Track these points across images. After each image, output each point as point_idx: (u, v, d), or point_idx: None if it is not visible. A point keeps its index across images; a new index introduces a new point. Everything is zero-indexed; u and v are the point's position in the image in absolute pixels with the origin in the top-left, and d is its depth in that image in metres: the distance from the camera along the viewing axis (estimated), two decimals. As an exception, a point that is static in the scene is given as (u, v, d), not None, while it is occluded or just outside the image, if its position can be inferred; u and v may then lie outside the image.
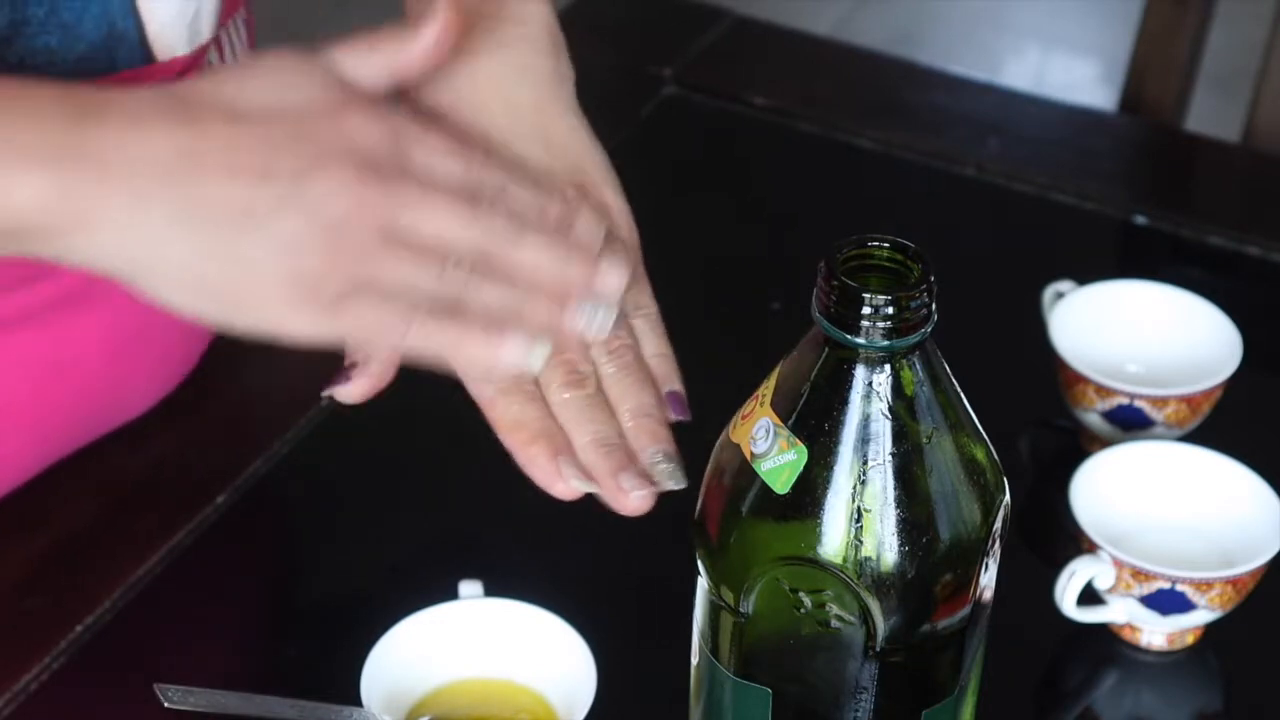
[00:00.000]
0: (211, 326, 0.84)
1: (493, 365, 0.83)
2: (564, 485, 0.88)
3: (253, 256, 0.80)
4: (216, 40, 1.08)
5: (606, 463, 0.88)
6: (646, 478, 0.88)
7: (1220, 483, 1.07)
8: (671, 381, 0.92)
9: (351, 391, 0.89)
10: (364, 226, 0.80)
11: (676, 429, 1.09)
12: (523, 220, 0.84)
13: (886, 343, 0.80)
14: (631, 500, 0.87)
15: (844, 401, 0.81)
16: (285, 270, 0.80)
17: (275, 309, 0.81)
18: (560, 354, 0.88)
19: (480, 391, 0.89)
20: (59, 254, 0.82)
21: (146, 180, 0.80)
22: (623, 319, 0.91)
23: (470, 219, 0.82)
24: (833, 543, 0.81)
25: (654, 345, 0.92)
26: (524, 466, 0.88)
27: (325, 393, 0.90)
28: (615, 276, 0.85)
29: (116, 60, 1.01)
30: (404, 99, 0.91)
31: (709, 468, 0.85)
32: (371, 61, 0.85)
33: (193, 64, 1.05)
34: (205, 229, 0.80)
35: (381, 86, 0.85)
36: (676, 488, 0.88)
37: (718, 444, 0.85)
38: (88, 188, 0.80)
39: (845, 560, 0.81)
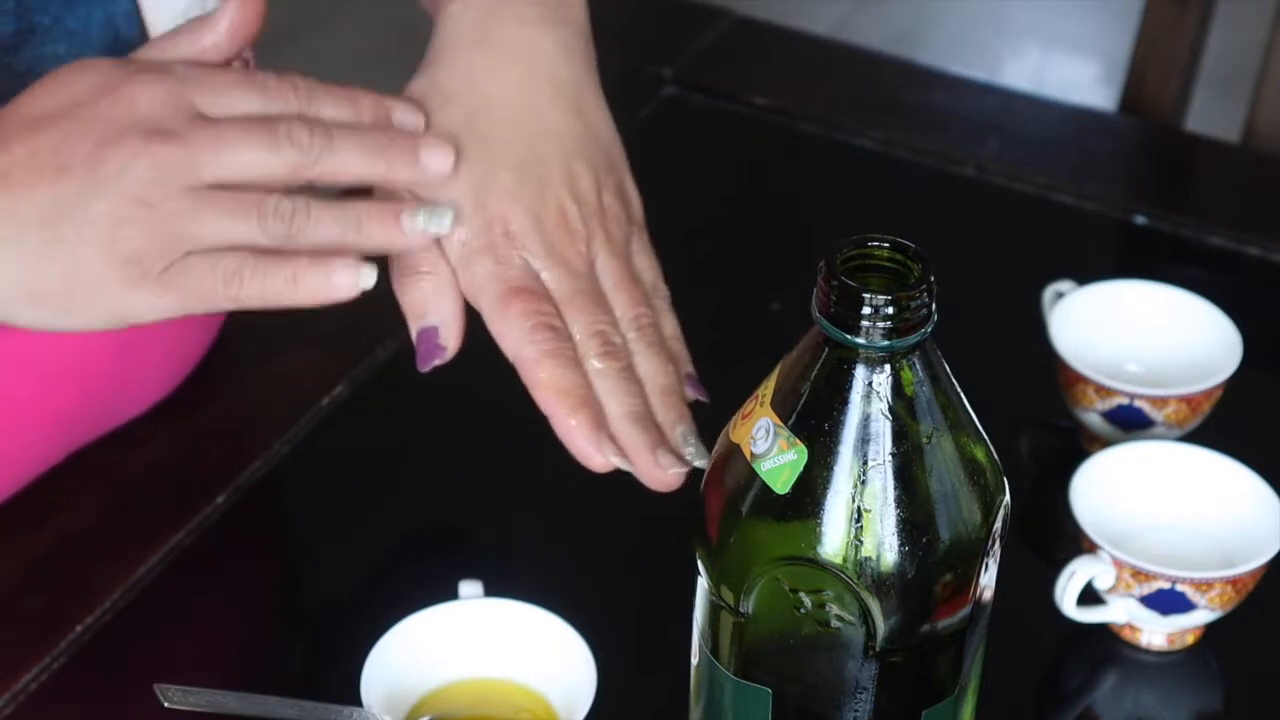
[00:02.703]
0: (60, 331, 0.85)
1: (329, 296, 0.84)
2: (602, 460, 0.88)
3: (74, 251, 0.81)
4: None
5: (643, 437, 0.88)
6: (680, 455, 0.89)
7: (1220, 483, 1.07)
8: (686, 364, 0.93)
9: (451, 349, 0.90)
10: (167, 190, 0.81)
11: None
12: (330, 128, 0.84)
13: (886, 343, 0.80)
14: (669, 476, 0.88)
15: (844, 401, 0.81)
16: (109, 255, 0.81)
17: (112, 297, 0.82)
18: (585, 319, 0.89)
19: (522, 351, 0.89)
20: None
21: None
22: (645, 297, 0.92)
23: (273, 144, 0.82)
24: (833, 543, 0.81)
25: (670, 327, 0.93)
26: (563, 435, 0.89)
27: (426, 368, 0.90)
28: (440, 158, 0.86)
29: None
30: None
31: (709, 468, 0.85)
32: (171, 52, 0.86)
33: None
34: (23, 241, 0.81)
35: None
36: (702, 466, 0.88)
37: (717, 444, 0.85)
38: None
39: (845, 560, 0.81)
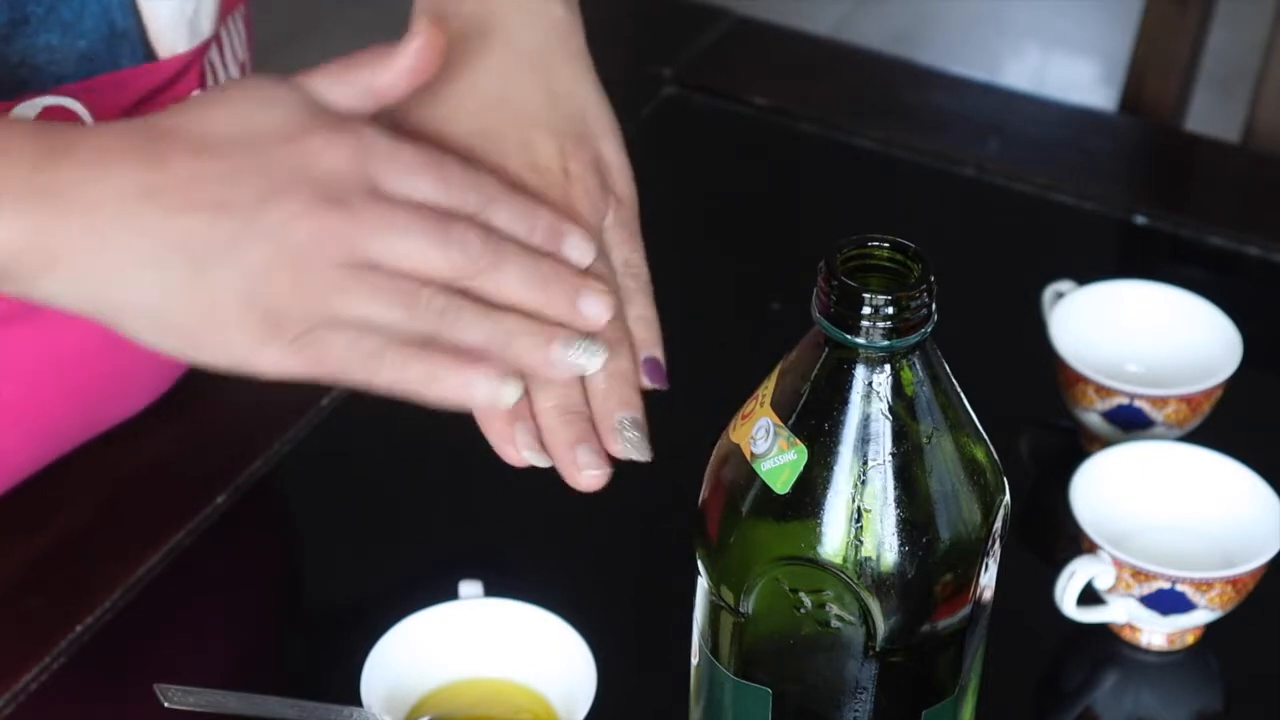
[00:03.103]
0: (186, 362, 0.82)
1: (464, 403, 0.81)
2: (514, 453, 0.85)
3: (214, 291, 0.78)
4: (216, 37, 1.07)
5: (565, 432, 0.84)
6: (604, 455, 0.84)
7: (1220, 483, 1.07)
8: (650, 347, 0.88)
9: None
10: (326, 255, 0.78)
11: (678, 426, 1.10)
12: (502, 243, 0.81)
13: (886, 343, 0.80)
14: (584, 477, 0.84)
15: (844, 401, 0.81)
16: (247, 304, 0.78)
17: (240, 344, 0.79)
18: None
19: None
20: (27, 294, 0.81)
21: (107, 218, 0.78)
22: (609, 274, 0.88)
23: (443, 243, 0.80)
24: (833, 543, 0.81)
25: (640, 308, 0.89)
26: (481, 427, 0.86)
27: None
28: (598, 308, 0.82)
29: (118, 58, 1.01)
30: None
31: (709, 468, 0.85)
32: (347, 84, 0.83)
33: (194, 61, 1.05)
34: (165, 266, 0.78)
35: (360, 110, 0.83)
36: (641, 460, 0.85)
37: (718, 444, 0.85)
38: (54, 228, 0.78)
39: (845, 560, 0.81)
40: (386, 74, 0.83)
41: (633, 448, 0.85)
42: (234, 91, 0.82)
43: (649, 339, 0.88)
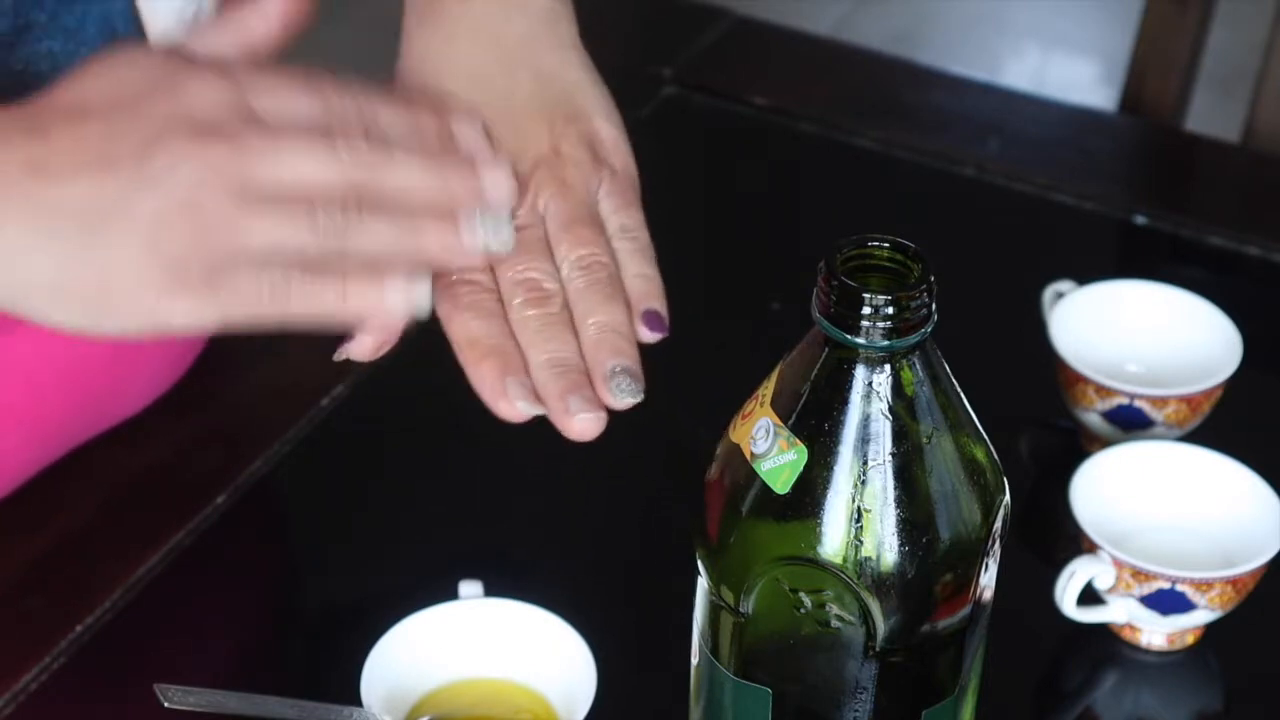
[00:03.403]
0: (100, 338, 0.81)
1: (379, 313, 0.80)
2: (508, 405, 0.85)
3: (115, 252, 0.78)
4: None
5: (557, 384, 0.84)
6: (596, 402, 0.84)
7: (1220, 483, 1.07)
8: (650, 300, 0.88)
9: (365, 346, 0.86)
10: (217, 191, 0.77)
11: (678, 426, 1.10)
12: (389, 142, 0.80)
13: (886, 343, 0.80)
14: (576, 423, 0.84)
15: (844, 401, 0.81)
16: (149, 257, 0.77)
17: (148, 302, 0.78)
18: (513, 268, 0.85)
19: (441, 309, 0.86)
20: None
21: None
22: (598, 237, 0.88)
23: (329, 154, 0.79)
24: (833, 543, 0.81)
25: (638, 267, 0.89)
26: (473, 385, 0.85)
27: (338, 356, 0.87)
28: (500, 183, 0.81)
29: None
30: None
31: (709, 468, 0.85)
32: (218, 40, 0.83)
33: None
34: (62, 236, 0.78)
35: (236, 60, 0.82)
36: (633, 401, 0.85)
37: (718, 444, 0.85)
38: None
39: (845, 560, 0.81)
40: (260, 23, 0.83)
41: (621, 392, 0.85)
42: (102, 60, 0.81)
43: (648, 292, 0.88)
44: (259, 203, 0.78)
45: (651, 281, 0.89)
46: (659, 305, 0.88)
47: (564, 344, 0.86)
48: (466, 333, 0.86)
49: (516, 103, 0.91)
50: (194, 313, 0.79)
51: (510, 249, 0.82)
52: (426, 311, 0.81)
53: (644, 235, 0.90)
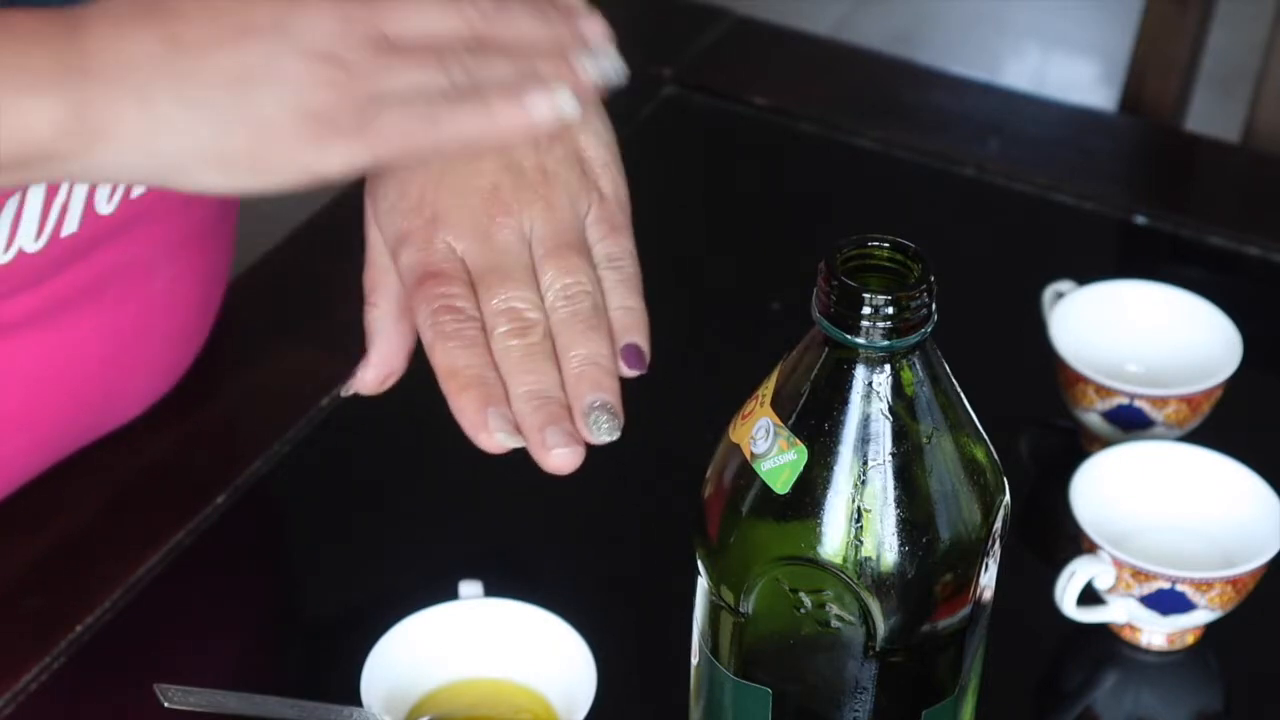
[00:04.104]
0: (252, 192, 0.85)
1: (528, 125, 0.84)
2: (488, 437, 0.86)
3: (266, 113, 0.81)
4: None
5: (536, 416, 0.85)
6: (575, 436, 0.85)
7: (1220, 483, 1.07)
8: (632, 334, 0.88)
9: (367, 381, 0.91)
10: (356, 44, 0.82)
11: (678, 426, 1.10)
12: (505, 2, 0.86)
13: (886, 343, 0.80)
14: (553, 457, 0.85)
15: (844, 401, 0.81)
16: (300, 114, 0.81)
17: (305, 155, 0.82)
18: (497, 295, 0.87)
19: (424, 337, 0.88)
20: (81, 173, 0.83)
21: (144, 76, 0.81)
22: (583, 265, 0.89)
23: (454, 10, 0.84)
24: (833, 543, 0.81)
25: (621, 299, 0.89)
26: (454, 415, 0.86)
27: (345, 392, 0.91)
28: (598, 27, 0.87)
29: None
30: None
31: (709, 468, 0.85)
32: None
33: None
34: (212, 104, 0.81)
35: None
36: (610, 439, 0.85)
37: (718, 444, 0.85)
38: (95, 99, 0.81)
39: (845, 560, 0.81)
40: None
41: (599, 428, 0.85)
42: None
43: (631, 325, 0.89)
44: (396, 50, 0.82)
45: (635, 314, 0.89)
46: (641, 340, 0.88)
47: (544, 375, 0.86)
48: (449, 362, 0.87)
49: None
50: (348, 157, 0.83)
51: (619, 81, 0.87)
52: (577, 114, 0.85)
53: (631, 265, 0.90)
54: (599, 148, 0.92)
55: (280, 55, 0.81)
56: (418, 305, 0.88)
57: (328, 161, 0.83)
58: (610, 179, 0.92)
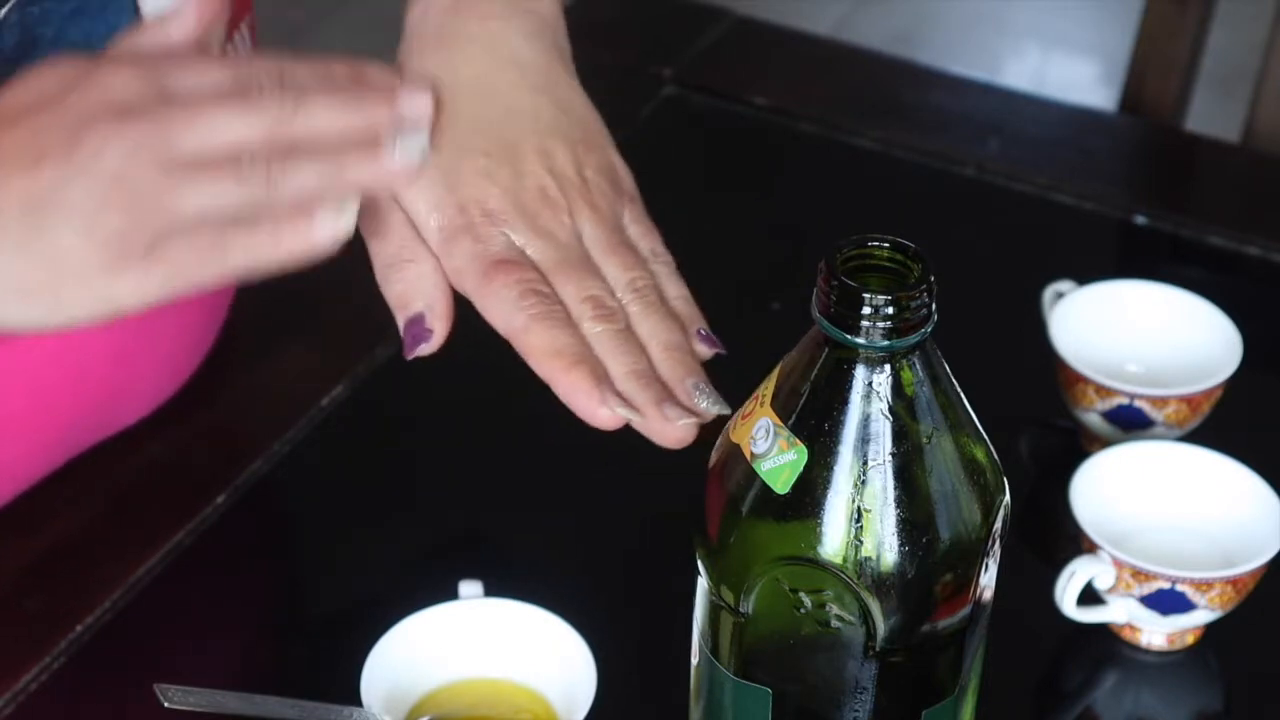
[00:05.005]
0: (53, 327, 0.84)
1: (313, 246, 0.82)
2: (608, 412, 0.87)
3: (57, 243, 0.80)
4: (223, 53, 1.08)
5: (647, 393, 0.87)
6: (691, 410, 0.88)
7: (1220, 483, 1.07)
8: (698, 321, 0.92)
9: (438, 335, 0.90)
10: (143, 167, 0.80)
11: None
12: (303, 87, 0.82)
13: (886, 343, 0.80)
14: (677, 429, 0.87)
15: (844, 401, 0.81)
16: (90, 239, 0.80)
17: (98, 285, 0.81)
18: (574, 284, 0.88)
19: (511, 321, 0.88)
20: None
21: None
22: (640, 261, 0.92)
23: (246, 110, 0.81)
24: (833, 543, 0.81)
25: (674, 289, 0.93)
26: (564, 395, 0.87)
27: (411, 355, 0.90)
28: (416, 100, 0.83)
29: None
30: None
31: (709, 468, 0.85)
32: (139, 42, 0.85)
33: None
34: (5, 234, 0.80)
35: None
36: (723, 413, 0.88)
37: (718, 444, 0.85)
38: None
39: (845, 560, 0.81)
40: (176, 25, 0.85)
41: (710, 403, 0.88)
42: (21, 74, 0.84)
43: (693, 314, 0.92)
44: (186, 170, 0.80)
45: (690, 303, 0.93)
46: (705, 325, 0.92)
47: (640, 358, 0.89)
48: (549, 342, 0.88)
49: (543, 126, 0.93)
50: (141, 287, 0.81)
51: (426, 155, 0.83)
52: (350, 232, 0.82)
53: (670, 257, 0.94)
54: (621, 162, 0.95)
55: (70, 182, 0.80)
56: (493, 292, 0.88)
57: (119, 291, 0.81)
58: (630, 182, 0.95)
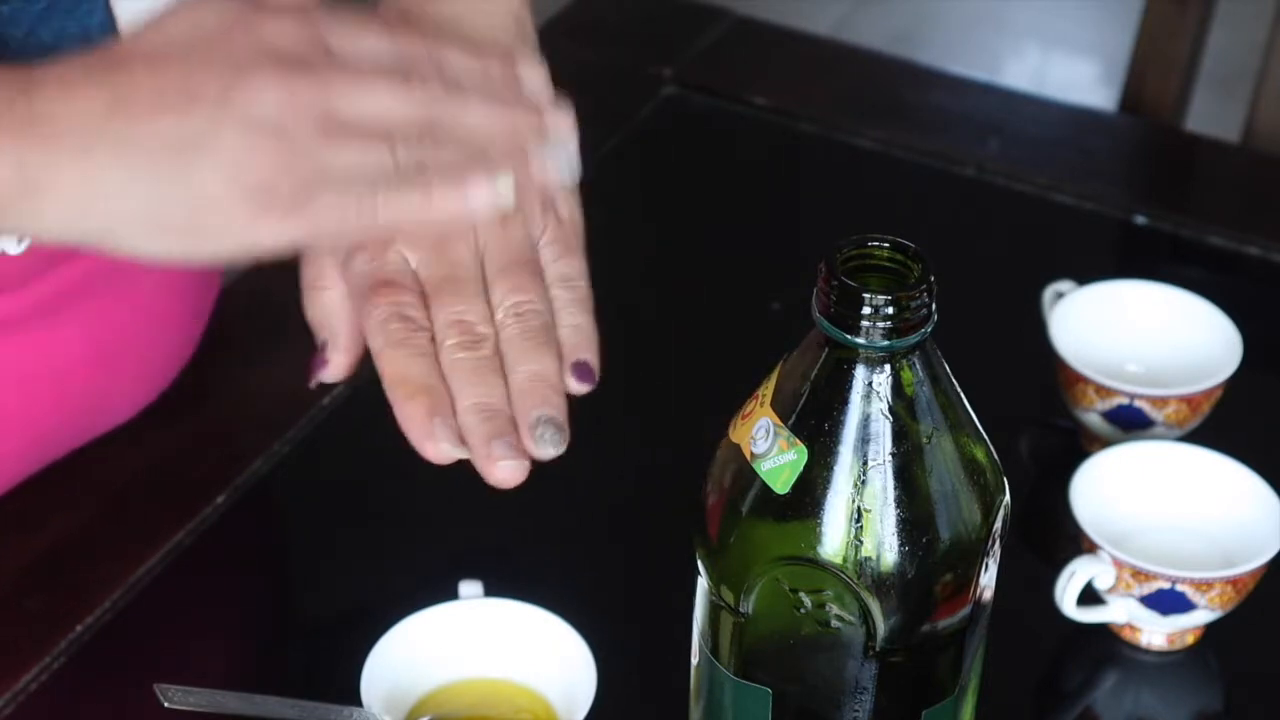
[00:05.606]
0: (188, 260, 0.84)
1: (463, 214, 0.82)
2: (434, 446, 0.86)
3: (202, 182, 0.80)
4: None
5: (482, 428, 0.85)
6: (520, 449, 0.85)
7: (1220, 483, 1.07)
8: (582, 351, 0.89)
9: (341, 365, 0.89)
10: (301, 121, 0.80)
11: (678, 426, 1.10)
12: (462, 85, 0.83)
13: (886, 343, 0.80)
14: (498, 469, 0.85)
15: (844, 401, 0.81)
16: (237, 186, 0.80)
17: (239, 227, 0.81)
18: (449, 308, 0.87)
19: (373, 344, 0.88)
20: (22, 227, 0.83)
21: (85, 137, 0.80)
22: (534, 284, 0.89)
23: (406, 92, 0.82)
24: (833, 543, 0.81)
25: (572, 317, 0.90)
26: (401, 424, 0.87)
27: (312, 383, 0.90)
28: (563, 122, 0.84)
29: None
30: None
31: (709, 468, 0.85)
32: None
33: None
34: (149, 170, 0.80)
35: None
36: (555, 453, 0.85)
37: (718, 444, 0.85)
38: (34, 156, 0.80)
39: (845, 560, 0.81)
40: None
41: (545, 442, 0.86)
42: (176, 9, 0.84)
43: (581, 342, 0.89)
44: (341, 129, 0.80)
45: (584, 332, 0.90)
46: (590, 357, 0.89)
47: (492, 389, 0.86)
48: (397, 370, 0.87)
49: (467, 41, 0.91)
50: (283, 232, 0.81)
51: (577, 180, 0.84)
52: (512, 203, 0.83)
53: (583, 285, 0.91)
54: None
55: (223, 126, 0.80)
56: (368, 313, 0.88)
57: (259, 234, 0.81)
58: (565, 203, 0.92)
